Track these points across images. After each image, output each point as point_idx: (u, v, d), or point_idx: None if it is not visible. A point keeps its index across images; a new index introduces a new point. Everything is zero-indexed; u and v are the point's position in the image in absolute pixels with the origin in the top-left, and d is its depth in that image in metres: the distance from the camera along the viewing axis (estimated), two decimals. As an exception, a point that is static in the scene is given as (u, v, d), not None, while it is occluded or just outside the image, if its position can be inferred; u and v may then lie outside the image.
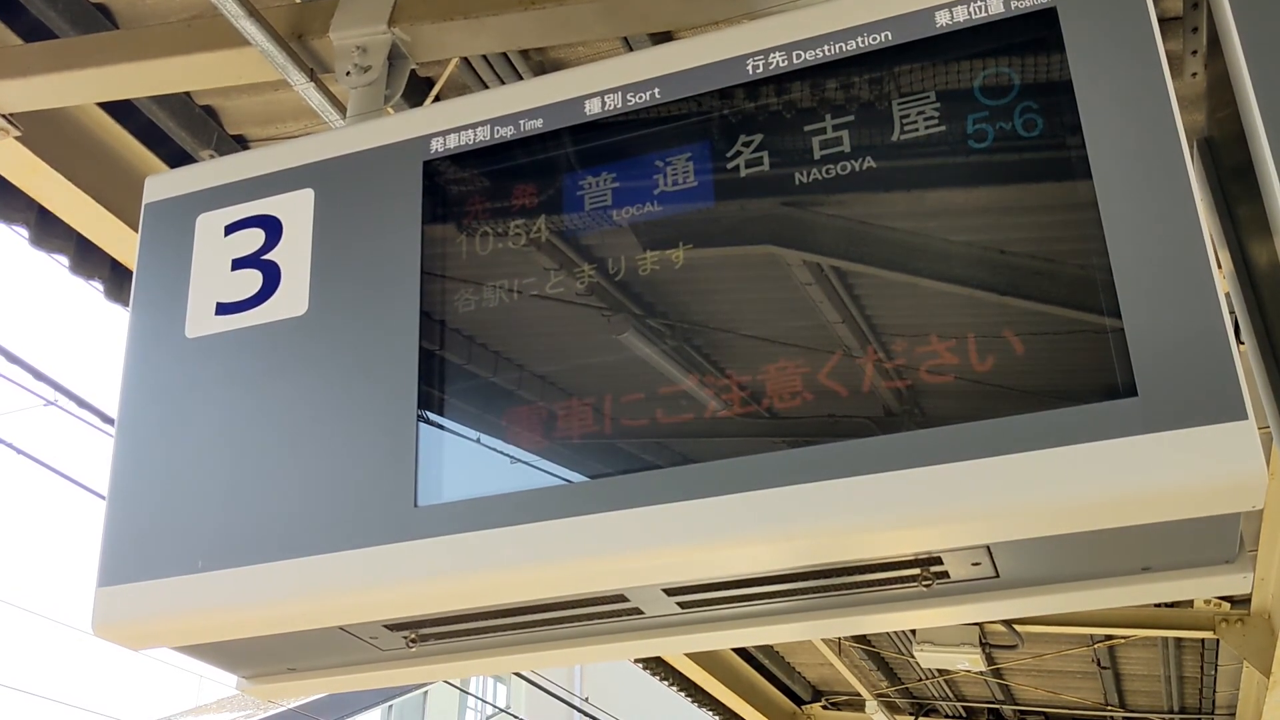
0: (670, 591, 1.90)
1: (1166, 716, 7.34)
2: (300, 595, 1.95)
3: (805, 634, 2.10)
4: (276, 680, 2.31)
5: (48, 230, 3.56)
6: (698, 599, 1.94)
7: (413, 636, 2.08)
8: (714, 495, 1.76)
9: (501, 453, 1.96)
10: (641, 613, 1.99)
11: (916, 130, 1.87)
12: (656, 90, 2.05)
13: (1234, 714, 6.65)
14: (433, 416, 2.00)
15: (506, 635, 2.09)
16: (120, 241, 3.51)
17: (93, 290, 3.80)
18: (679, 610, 1.98)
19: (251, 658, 2.22)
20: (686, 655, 6.55)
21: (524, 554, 1.84)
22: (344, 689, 2.34)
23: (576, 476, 1.89)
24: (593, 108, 2.10)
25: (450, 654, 2.18)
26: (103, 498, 2.15)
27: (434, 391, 2.01)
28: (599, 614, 2.00)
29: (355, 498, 1.96)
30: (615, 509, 1.80)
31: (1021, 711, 8.01)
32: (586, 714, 11.22)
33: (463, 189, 2.16)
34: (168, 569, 2.04)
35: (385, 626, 2.04)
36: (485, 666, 2.23)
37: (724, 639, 2.07)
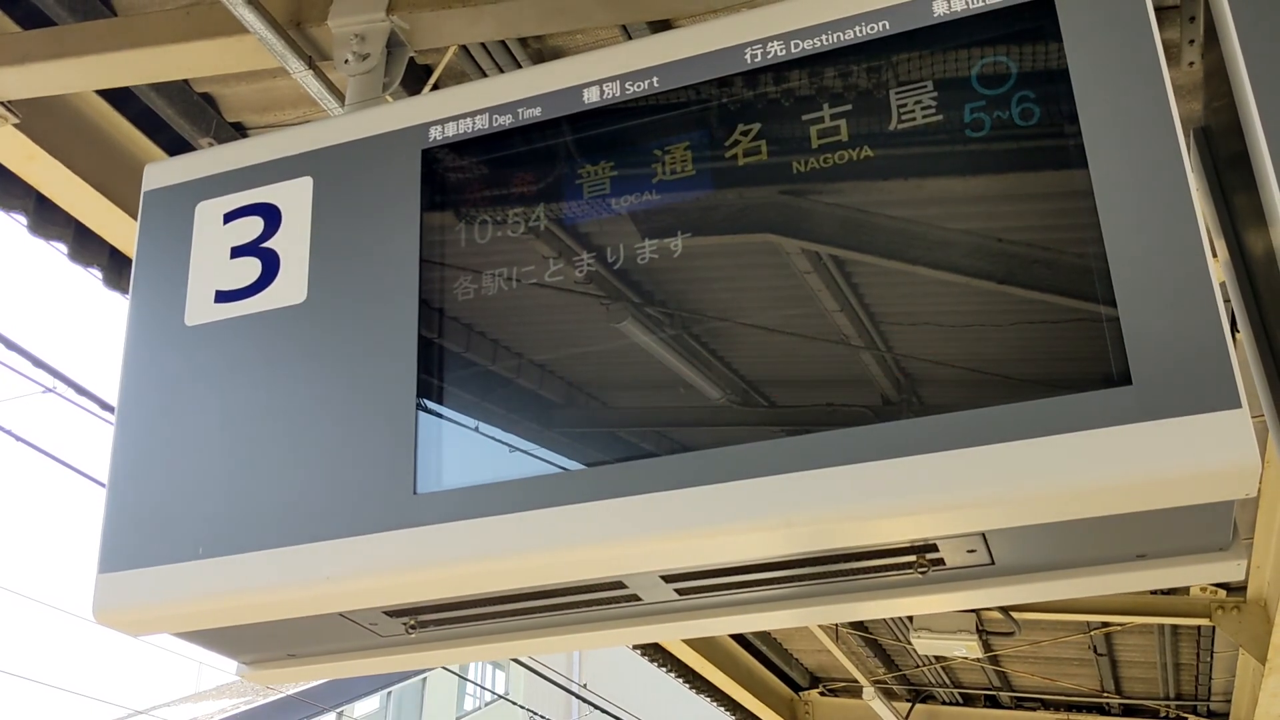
0: (668, 578, 1.91)
1: (1163, 703, 7.36)
2: (300, 582, 1.96)
3: (802, 620, 2.11)
4: (276, 666, 2.32)
5: (46, 218, 3.56)
6: (695, 585, 1.95)
7: (412, 623, 2.10)
8: (711, 483, 1.76)
9: (500, 440, 1.97)
10: (639, 599, 2.00)
11: (914, 119, 1.88)
12: (655, 79, 2.06)
13: (1230, 700, 6.67)
14: (431, 404, 2.00)
15: (505, 622, 2.10)
16: (119, 229, 3.51)
17: (91, 277, 3.80)
18: (677, 597, 1.99)
19: (251, 644, 2.23)
20: (685, 642, 6.57)
21: (523, 541, 1.85)
22: (344, 675, 2.35)
23: (575, 464, 1.90)
24: (591, 96, 2.10)
25: (449, 640, 2.20)
26: (102, 485, 2.16)
27: (433, 379, 2.02)
28: (597, 601, 2.01)
29: (354, 485, 1.97)
30: (613, 496, 1.81)
31: (1018, 698, 8.03)
32: (585, 700, 11.25)
33: (461, 177, 2.16)
34: (168, 555, 2.05)
35: (385, 613, 2.05)
36: (484, 652, 2.24)
37: (722, 625, 2.08)
